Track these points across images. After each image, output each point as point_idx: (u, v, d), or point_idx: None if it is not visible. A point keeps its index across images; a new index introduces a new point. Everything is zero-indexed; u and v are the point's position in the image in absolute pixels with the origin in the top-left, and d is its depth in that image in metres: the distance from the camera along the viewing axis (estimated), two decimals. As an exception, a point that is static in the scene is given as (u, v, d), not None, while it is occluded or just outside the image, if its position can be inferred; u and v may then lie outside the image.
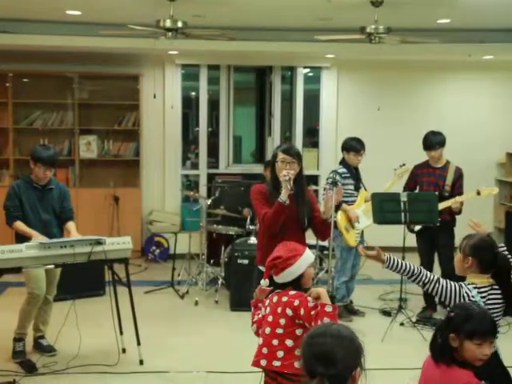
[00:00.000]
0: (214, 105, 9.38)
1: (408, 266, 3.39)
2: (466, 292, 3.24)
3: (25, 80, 8.77)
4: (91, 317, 5.90)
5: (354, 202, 6.30)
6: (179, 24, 5.84)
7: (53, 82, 8.68)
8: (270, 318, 3.23)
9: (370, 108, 9.07)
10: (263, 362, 3.23)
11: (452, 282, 3.32)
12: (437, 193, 6.06)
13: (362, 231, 6.38)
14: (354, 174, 6.34)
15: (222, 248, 7.18)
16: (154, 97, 8.44)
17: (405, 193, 6.09)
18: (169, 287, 7.19)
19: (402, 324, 6.06)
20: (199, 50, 8.18)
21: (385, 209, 5.95)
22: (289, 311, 3.17)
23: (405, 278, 3.51)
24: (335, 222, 5.77)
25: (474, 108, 9.23)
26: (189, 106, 9.62)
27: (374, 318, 6.36)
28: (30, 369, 4.91)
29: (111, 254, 4.93)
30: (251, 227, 7.00)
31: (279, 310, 3.19)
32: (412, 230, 6.30)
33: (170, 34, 5.88)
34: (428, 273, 3.39)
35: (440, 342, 2.73)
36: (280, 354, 3.17)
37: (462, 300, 3.24)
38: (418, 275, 3.38)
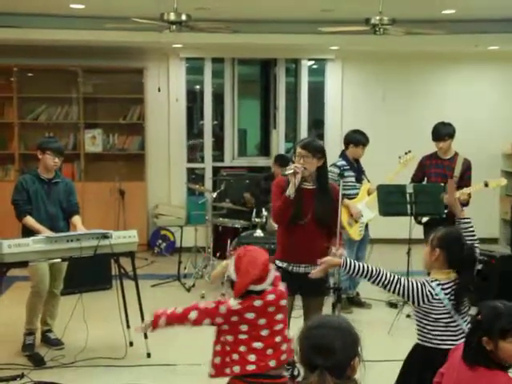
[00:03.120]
0: (218, 98, 9.37)
1: (366, 268, 3.31)
2: (429, 290, 3.19)
3: (29, 74, 8.78)
4: (98, 310, 5.91)
5: (357, 194, 6.26)
6: (183, 17, 5.82)
7: (57, 77, 8.68)
8: (262, 321, 3.09)
9: (375, 99, 9.05)
10: (272, 363, 3.13)
11: (414, 281, 3.25)
12: (442, 184, 6.05)
13: (367, 224, 6.36)
14: (355, 166, 6.30)
15: (228, 241, 7.17)
16: (159, 90, 8.44)
17: (411, 184, 6.08)
18: (175, 280, 7.21)
19: (408, 316, 6.05)
20: (203, 43, 8.17)
21: (390, 200, 5.93)
22: (283, 301, 3.14)
23: (364, 280, 3.44)
24: None
25: (479, 99, 9.20)
26: (193, 99, 9.61)
27: (381, 310, 6.36)
28: (38, 362, 4.93)
29: (117, 248, 4.94)
30: (257, 220, 7.00)
31: (271, 309, 3.10)
32: (420, 222, 6.28)
33: (174, 27, 5.86)
34: (388, 273, 3.30)
35: (474, 346, 2.62)
36: (284, 346, 3.13)
37: (425, 299, 3.19)
38: (377, 276, 3.30)
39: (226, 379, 3.18)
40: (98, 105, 8.87)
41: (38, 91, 8.56)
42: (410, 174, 6.52)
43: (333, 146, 9.05)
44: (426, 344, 3.35)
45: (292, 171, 4.13)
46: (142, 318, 5.06)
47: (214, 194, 7.57)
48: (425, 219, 6.27)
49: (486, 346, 2.59)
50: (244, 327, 3.09)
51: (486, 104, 9.19)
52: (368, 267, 3.33)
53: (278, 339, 3.13)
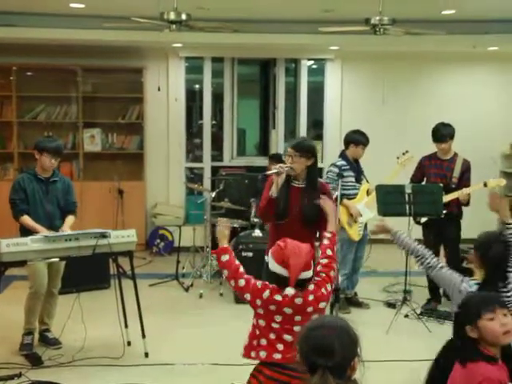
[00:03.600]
0: (217, 97, 9.37)
1: (414, 245, 3.47)
2: (464, 286, 3.28)
3: (28, 73, 8.77)
4: (96, 310, 5.91)
5: (356, 194, 6.26)
6: (183, 16, 5.81)
7: (57, 76, 8.67)
8: (298, 318, 3.07)
9: (374, 100, 9.05)
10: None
11: (456, 274, 3.35)
12: (442, 185, 6.05)
13: (366, 224, 6.36)
14: (355, 166, 6.30)
15: (227, 241, 7.16)
16: (159, 89, 8.43)
17: (409, 184, 6.08)
18: (173, 280, 7.20)
19: (406, 316, 6.06)
20: (203, 43, 8.16)
21: (389, 201, 5.93)
22: (323, 304, 3.12)
23: (411, 257, 3.56)
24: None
25: (478, 99, 9.20)
26: (193, 98, 9.61)
27: (379, 310, 6.36)
28: (35, 361, 4.92)
29: (116, 247, 4.93)
30: (255, 220, 6.99)
31: (309, 309, 3.07)
32: (418, 222, 6.29)
33: (173, 26, 5.85)
34: (434, 259, 3.43)
35: (460, 342, 2.70)
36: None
37: (459, 293, 3.26)
38: (424, 256, 3.44)
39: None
40: (97, 104, 8.86)
41: (37, 90, 8.55)
42: (409, 175, 6.52)
43: (332, 145, 9.08)
44: None
45: (276, 171, 4.20)
46: (140, 318, 5.07)
47: (213, 194, 7.56)
48: (423, 219, 6.27)
49: (471, 334, 2.65)
50: (278, 318, 3.08)
51: (485, 104, 9.19)
52: (416, 245, 3.49)
53: None
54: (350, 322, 2.23)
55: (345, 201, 6.06)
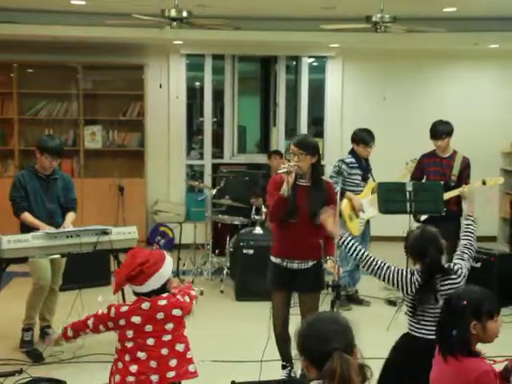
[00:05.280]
0: (218, 95, 9.37)
1: (359, 250, 3.51)
2: (416, 279, 3.33)
3: (29, 70, 8.78)
4: (97, 306, 5.90)
5: (361, 192, 6.28)
6: (184, 14, 5.82)
7: (57, 73, 8.68)
8: (148, 328, 3.02)
9: (375, 97, 9.04)
10: (154, 378, 3.02)
11: (403, 269, 3.41)
12: (442, 182, 6.05)
13: (368, 221, 6.36)
14: (364, 164, 6.31)
15: (227, 238, 7.18)
16: (160, 86, 8.42)
17: (410, 182, 6.08)
18: (174, 277, 7.17)
19: (406, 313, 6.06)
20: (204, 40, 8.17)
21: (390, 198, 5.93)
22: (177, 311, 3.07)
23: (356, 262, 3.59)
24: (340, 212, 5.75)
25: (479, 97, 9.20)
26: (193, 96, 9.61)
27: (380, 308, 6.37)
28: (36, 358, 4.93)
29: (117, 244, 4.94)
30: (256, 217, 7.00)
31: (160, 315, 3.02)
32: (418, 220, 6.29)
33: (174, 23, 5.86)
34: (379, 260, 3.47)
35: (458, 334, 2.64)
36: (173, 362, 3.05)
37: (411, 286, 3.34)
38: (368, 260, 3.47)
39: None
40: (98, 101, 8.86)
41: (38, 87, 8.56)
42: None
43: (332, 143, 9.09)
44: (416, 334, 3.44)
45: (286, 170, 4.14)
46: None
47: (214, 191, 7.56)
48: (424, 217, 6.27)
49: (473, 330, 2.63)
50: (130, 333, 3.02)
51: (486, 102, 9.19)
52: (361, 249, 3.52)
53: (164, 351, 3.03)
54: (349, 320, 2.25)
55: (348, 193, 6.09)
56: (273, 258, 4.37)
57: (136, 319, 3.00)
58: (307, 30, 7.74)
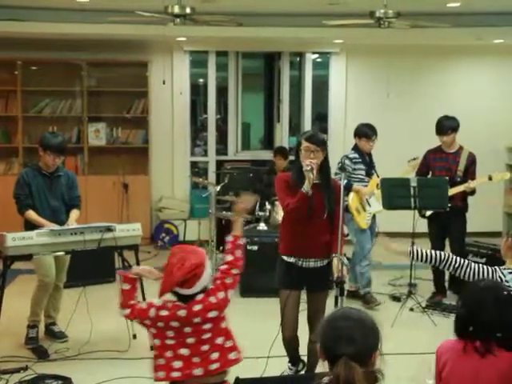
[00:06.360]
0: (222, 91, 9.36)
1: (434, 255, 3.41)
2: (499, 276, 3.22)
3: (33, 68, 8.77)
4: (102, 303, 5.92)
5: (365, 187, 6.28)
6: (187, 10, 5.81)
7: (61, 70, 8.68)
8: (188, 330, 3.02)
9: (379, 93, 9.01)
10: (199, 371, 3.02)
11: (484, 266, 3.32)
12: (447, 178, 6.04)
13: (374, 216, 6.35)
14: (367, 160, 6.30)
15: (232, 234, 7.16)
16: (164, 83, 8.42)
17: (415, 178, 6.07)
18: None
19: (411, 309, 6.06)
20: (207, 37, 8.16)
21: (394, 194, 5.93)
22: (213, 313, 3.07)
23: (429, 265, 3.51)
24: (346, 205, 5.74)
25: (483, 92, 9.17)
26: (197, 92, 9.61)
27: (384, 304, 6.35)
28: (41, 355, 4.95)
29: (121, 241, 4.95)
30: (260, 213, 6.99)
31: (197, 320, 3.02)
32: (423, 216, 6.28)
33: (178, 20, 5.86)
34: (457, 258, 3.38)
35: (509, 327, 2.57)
36: (215, 355, 3.06)
37: None
38: (447, 261, 3.38)
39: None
40: (102, 98, 8.87)
41: (42, 85, 8.56)
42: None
43: (336, 139, 9.07)
44: None
45: (309, 168, 4.05)
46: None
47: (218, 188, 7.56)
48: (428, 213, 6.26)
49: None
50: (170, 333, 3.02)
51: (491, 97, 9.16)
52: (436, 254, 3.43)
53: (205, 348, 3.04)
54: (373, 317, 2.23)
55: (355, 186, 6.10)
56: (285, 257, 4.27)
57: (174, 324, 3.02)
58: (311, 26, 7.72)
